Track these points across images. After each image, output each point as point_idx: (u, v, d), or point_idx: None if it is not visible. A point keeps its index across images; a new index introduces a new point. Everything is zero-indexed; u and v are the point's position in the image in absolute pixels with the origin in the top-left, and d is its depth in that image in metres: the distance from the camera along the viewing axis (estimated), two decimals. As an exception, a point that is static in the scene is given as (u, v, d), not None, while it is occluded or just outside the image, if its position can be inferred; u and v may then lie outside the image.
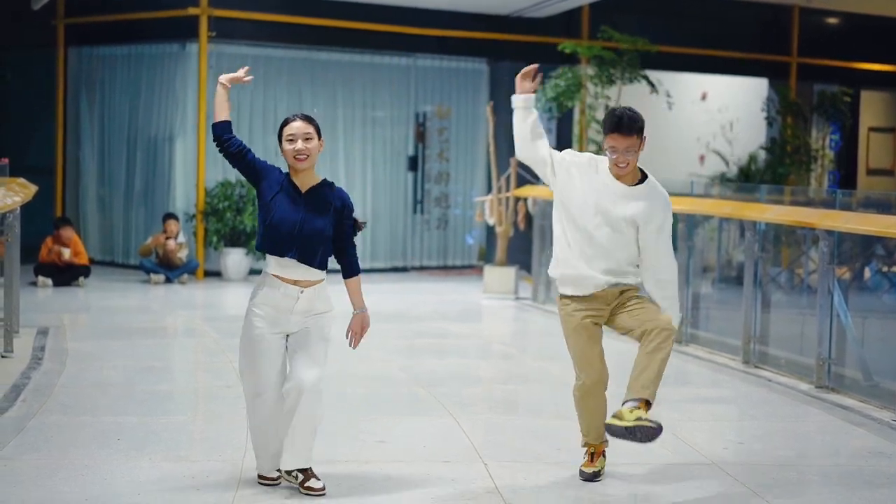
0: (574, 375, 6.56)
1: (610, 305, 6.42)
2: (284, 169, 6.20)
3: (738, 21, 19.22)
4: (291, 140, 6.06)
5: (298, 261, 6.06)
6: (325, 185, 6.17)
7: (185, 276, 15.39)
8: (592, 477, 6.47)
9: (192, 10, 15.88)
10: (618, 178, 6.33)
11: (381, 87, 17.38)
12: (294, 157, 6.05)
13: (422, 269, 17.77)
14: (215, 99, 6.22)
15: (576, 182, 6.37)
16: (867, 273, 13.38)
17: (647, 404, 6.16)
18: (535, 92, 6.60)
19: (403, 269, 17.61)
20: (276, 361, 6.15)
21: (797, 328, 10.78)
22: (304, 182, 6.12)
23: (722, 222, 13.05)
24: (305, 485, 6.12)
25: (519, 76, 6.57)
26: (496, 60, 17.90)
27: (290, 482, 6.18)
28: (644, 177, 6.40)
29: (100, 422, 7.62)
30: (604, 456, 6.56)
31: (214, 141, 6.17)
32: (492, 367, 10.56)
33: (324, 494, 6.08)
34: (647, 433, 6.06)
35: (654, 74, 16.63)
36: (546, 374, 9.92)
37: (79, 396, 8.43)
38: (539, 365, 10.41)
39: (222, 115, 6.18)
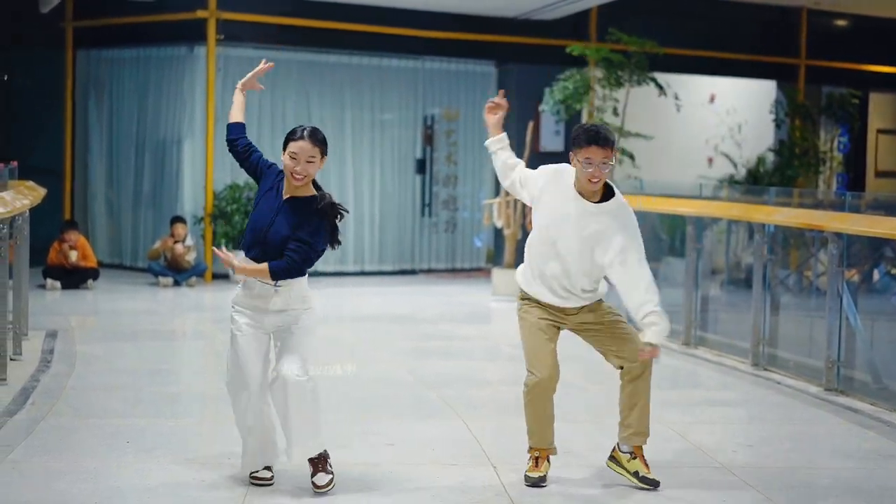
0: (525, 375, 6.61)
1: (573, 316, 6.50)
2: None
3: (746, 23, 19.20)
4: (294, 158, 6.07)
5: (255, 261, 6.11)
6: (311, 200, 6.14)
7: (194, 278, 15.39)
8: (538, 482, 6.43)
9: (200, 13, 15.89)
10: (582, 193, 6.29)
11: (389, 90, 17.38)
12: (291, 174, 6.09)
13: (430, 271, 17.77)
14: (233, 99, 6.48)
15: (545, 198, 6.42)
16: (876, 275, 13.34)
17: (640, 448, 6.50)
18: (502, 127, 6.65)
19: (412, 272, 17.60)
20: (256, 358, 6.21)
21: (806, 331, 10.76)
22: (291, 190, 6.16)
23: (730, 224, 13.03)
24: (312, 479, 6.20)
25: (486, 110, 6.64)
26: (504, 63, 17.90)
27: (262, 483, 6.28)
28: (611, 194, 6.35)
29: (108, 424, 7.63)
30: (548, 461, 6.55)
31: (226, 140, 6.37)
32: (500, 370, 10.55)
33: (326, 491, 6.11)
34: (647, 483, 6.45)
35: (662, 77, 16.61)
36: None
37: (87, 399, 8.44)
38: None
39: (236, 116, 6.41)
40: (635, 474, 6.44)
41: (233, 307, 6.32)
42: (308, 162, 6.06)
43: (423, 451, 7.14)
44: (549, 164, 6.53)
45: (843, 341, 9.21)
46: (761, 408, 8.86)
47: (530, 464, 6.53)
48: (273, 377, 6.17)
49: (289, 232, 6.06)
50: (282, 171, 6.18)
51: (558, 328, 6.54)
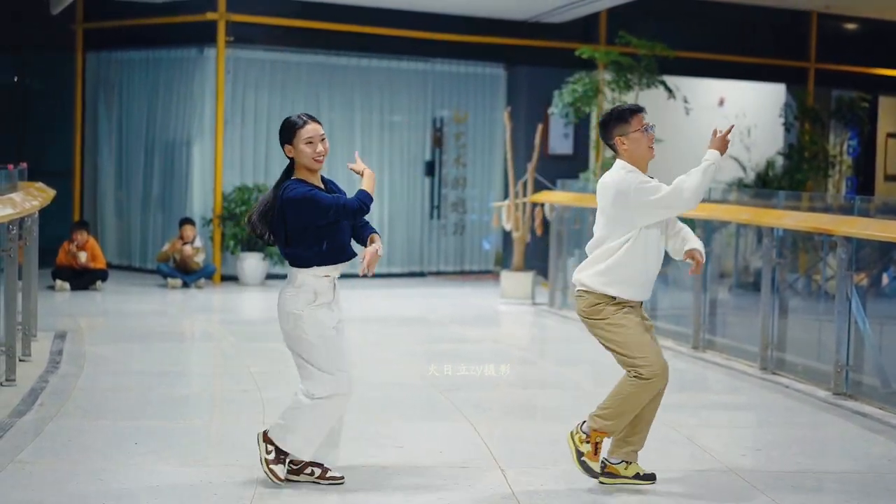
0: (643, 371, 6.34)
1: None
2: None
3: (756, 26, 19.19)
4: (311, 143, 6.17)
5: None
6: (326, 184, 6.39)
7: (202, 280, 15.41)
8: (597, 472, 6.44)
9: (210, 15, 15.91)
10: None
11: (399, 92, 17.39)
12: (314, 159, 6.19)
13: (439, 274, 17.77)
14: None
15: None
16: (885, 279, 13.32)
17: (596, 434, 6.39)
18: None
19: (420, 275, 17.61)
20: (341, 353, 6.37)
21: (815, 334, 10.75)
22: (317, 182, 6.30)
23: (739, 228, 13.02)
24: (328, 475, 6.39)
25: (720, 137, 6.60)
26: (513, 65, 17.90)
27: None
28: None
29: (117, 425, 7.64)
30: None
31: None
32: (509, 373, 10.54)
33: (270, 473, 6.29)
34: (587, 470, 6.43)
35: (671, 80, 16.60)
36: (564, 379, 9.91)
37: (96, 400, 8.46)
38: (557, 370, 10.39)
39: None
40: (636, 476, 6.43)
41: (301, 310, 6.23)
42: (322, 140, 6.22)
43: (431, 454, 7.14)
44: (630, 173, 6.40)
45: (851, 345, 9.19)
46: (769, 412, 8.85)
47: (589, 448, 6.40)
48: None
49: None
50: (300, 181, 6.21)
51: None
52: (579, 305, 6.51)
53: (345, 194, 6.35)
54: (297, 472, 6.34)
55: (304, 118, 6.24)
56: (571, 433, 6.45)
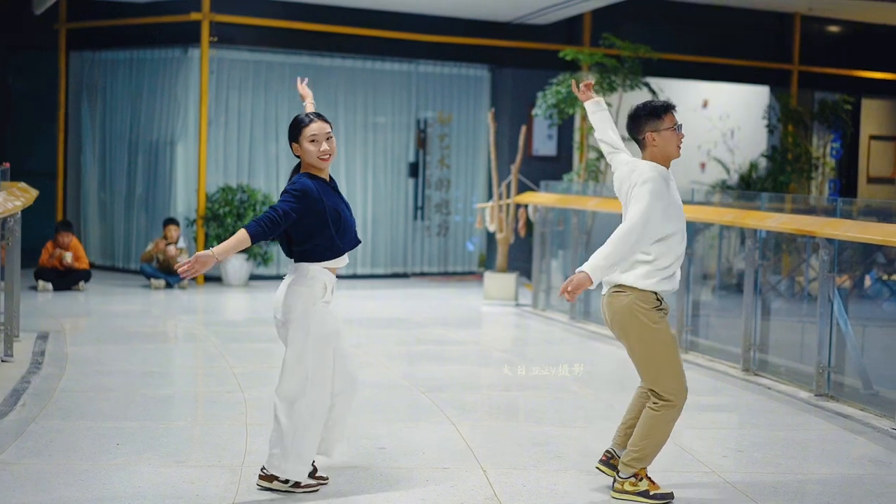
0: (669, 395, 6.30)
1: None
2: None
3: (740, 28, 19.23)
4: (315, 141, 6.19)
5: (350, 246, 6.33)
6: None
7: (186, 281, 15.39)
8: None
9: (194, 16, 15.89)
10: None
11: (383, 93, 17.39)
12: (319, 158, 6.20)
13: (422, 275, 17.78)
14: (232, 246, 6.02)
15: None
16: (867, 281, 13.38)
17: (637, 474, 6.31)
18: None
19: (404, 276, 17.61)
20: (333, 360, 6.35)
21: (797, 336, 10.79)
22: (323, 174, 6.31)
23: (722, 230, 13.07)
24: (316, 476, 6.42)
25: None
26: (498, 67, 17.91)
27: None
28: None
29: (99, 426, 7.63)
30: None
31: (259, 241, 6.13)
32: (492, 374, 10.56)
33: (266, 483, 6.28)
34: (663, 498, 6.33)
35: (655, 82, 16.63)
36: (546, 381, 9.92)
37: (79, 401, 8.44)
38: (539, 372, 10.41)
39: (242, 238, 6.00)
40: (644, 494, 6.31)
41: (307, 308, 6.20)
42: (328, 139, 6.22)
43: (414, 455, 7.14)
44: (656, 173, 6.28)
45: (833, 347, 9.23)
46: (751, 413, 8.87)
47: (645, 483, 6.29)
48: (347, 386, 6.36)
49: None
50: (307, 180, 6.20)
51: None
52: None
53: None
54: (269, 480, 6.31)
55: (311, 116, 6.26)
56: (615, 490, 6.33)
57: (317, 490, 6.29)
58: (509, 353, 11.99)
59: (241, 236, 5.90)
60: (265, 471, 6.27)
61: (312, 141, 6.18)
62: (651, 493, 6.25)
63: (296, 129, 6.24)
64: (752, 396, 9.36)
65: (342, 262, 6.30)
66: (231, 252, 5.92)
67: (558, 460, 7.09)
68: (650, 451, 6.27)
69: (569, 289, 5.97)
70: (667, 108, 6.31)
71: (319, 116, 6.27)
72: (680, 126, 6.32)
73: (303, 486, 6.26)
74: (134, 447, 7.08)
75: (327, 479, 6.42)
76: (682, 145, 6.36)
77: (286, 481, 6.25)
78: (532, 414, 8.73)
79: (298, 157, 6.27)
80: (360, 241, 6.39)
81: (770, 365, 10.20)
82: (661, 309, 6.26)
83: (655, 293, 6.25)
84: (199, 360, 10.88)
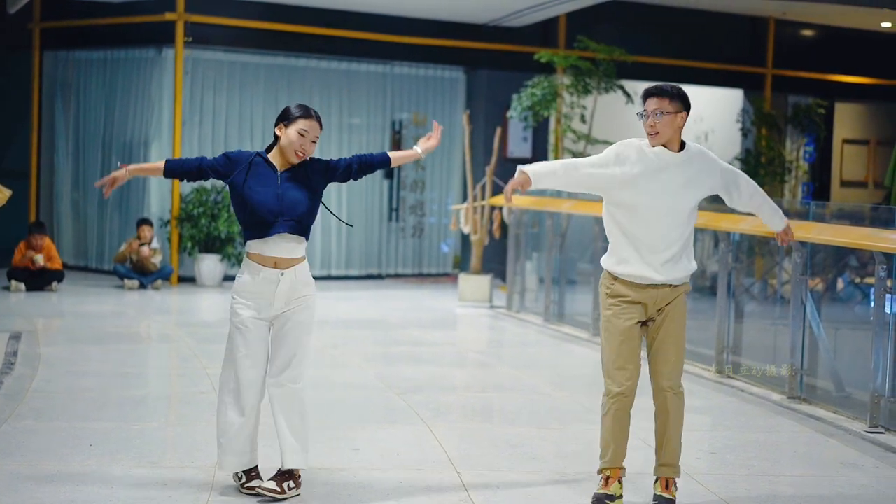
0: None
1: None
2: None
3: (714, 32, 19.29)
4: (303, 135, 6.16)
5: (289, 233, 6.11)
6: (304, 164, 6.26)
7: (159, 281, 15.35)
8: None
9: (168, 16, 15.85)
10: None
11: (358, 95, 17.39)
12: (295, 152, 6.16)
13: (397, 276, 17.78)
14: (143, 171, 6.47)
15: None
16: (840, 284, 13.44)
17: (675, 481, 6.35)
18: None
19: (378, 277, 17.60)
20: (258, 354, 6.20)
21: (770, 339, 10.82)
22: (284, 164, 6.23)
23: (696, 232, 13.10)
24: (266, 482, 6.18)
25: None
26: (473, 69, 17.93)
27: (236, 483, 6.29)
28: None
29: (72, 427, 7.60)
30: (619, 483, 6.27)
31: (176, 175, 6.35)
32: (467, 376, 10.56)
33: (272, 498, 6.10)
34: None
35: (629, 84, 16.67)
36: (521, 383, 9.93)
37: (51, 402, 8.40)
38: (514, 374, 10.42)
39: (158, 167, 6.36)
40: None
41: (234, 298, 6.22)
42: (312, 142, 6.19)
43: (388, 457, 7.14)
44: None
45: (806, 350, 9.26)
46: (724, 415, 8.90)
47: (601, 483, 6.25)
48: (275, 381, 6.21)
49: (300, 195, 6.14)
50: (251, 154, 6.21)
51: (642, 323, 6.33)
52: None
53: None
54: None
55: (312, 112, 6.24)
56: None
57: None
58: (484, 354, 12.00)
59: (159, 164, 6.31)
60: (292, 472, 6.23)
61: (301, 134, 6.15)
62: (597, 491, 6.25)
63: (289, 113, 6.21)
64: (725, 398, 9.39)
65: (263, 250, 6.12)
66: (144, 172, 6.37)
67: (533, 462, 7.10)
68: (601, 445, 6.29)
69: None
70: (646, 95, 6.31)
71: (318, 118, 6.26)
72: (642, 113, 6.27)
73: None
74: (107, 448, 7.06)
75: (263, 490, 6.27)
76: (652, 133, 6.27)
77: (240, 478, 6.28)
78: (507, 416, 8.74)
79: (277, 137, 6.22)
80: (276, 232, 6.08)
81: (743, 367, 10.23)
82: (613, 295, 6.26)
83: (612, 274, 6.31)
84: (172, 361, 10.85)
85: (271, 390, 6.21)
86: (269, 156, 6.22)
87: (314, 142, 6.20)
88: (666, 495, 6.25)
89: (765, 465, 7.35)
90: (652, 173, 6.22)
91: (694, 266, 6.37)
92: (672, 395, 6.28)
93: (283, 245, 6.13)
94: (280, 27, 16.47)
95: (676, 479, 6.33)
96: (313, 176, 6.23)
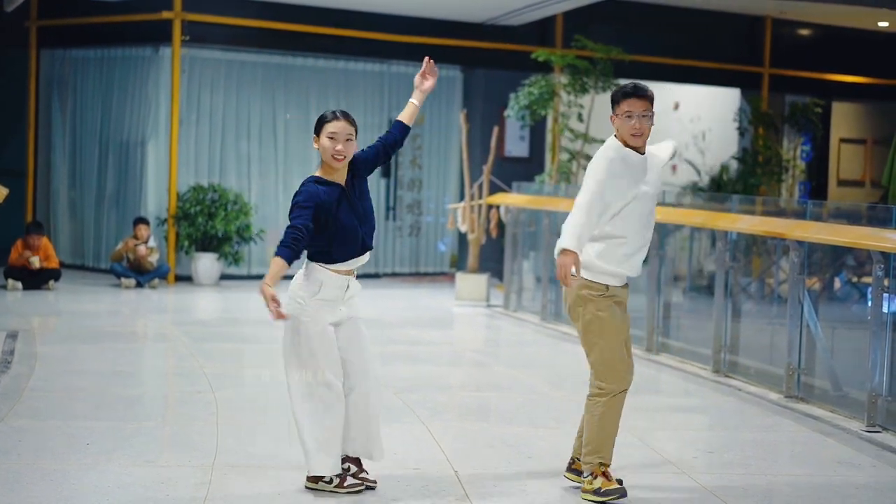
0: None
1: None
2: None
3: (711, 31, 19.29)
4: (333, 139, 6.16)
5: (369, 251, 6.28)
6: (351, 169, 6.29)
7: (156, 280, 15.33)
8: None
9: (165, 14, 15.84)
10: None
11: (355, 94, 17.37)
12: (332, 157, 6.16)
13: (394, 275, 17.77)
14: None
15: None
16: (837, 283, 13.44)
17: (601, 466, 6.30)
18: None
19: (375, 276, 17.59)
20: (338, 354, 6.25)
21: (767, 338, 10.82)
22: (341, 178, 6.24)
23: (693, 232, 13.09)
24: (362, 474, 6.34)
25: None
26: (470, 68, 17.92)
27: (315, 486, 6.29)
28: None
29: (69, 426, 7.59)
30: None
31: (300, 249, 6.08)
32: (463, 375, 10.56)
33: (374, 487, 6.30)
34: (615, 493, 6.27)
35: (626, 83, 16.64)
36: (517, 382, 9.93)
37: (48, 401, 8.40)
38: (510, 373, 10.42)
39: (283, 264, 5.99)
40: (596, 492, 6.27)
41: (301, 303, 6.16)
42: (347, 140, 6.18)
43: (385, 455, 7.12)
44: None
45: (803, 349, 9.26)
46: (722, 414, 8.90)
47: (600, 481, 6.26)
48: (358, 381, 6.28)
49: (370, 204, 6.30)
50: (319, 189, 6.14)
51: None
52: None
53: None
54: (315, 481, 6.29)
55: (337, 114, 6.22)
56: (582, 491, 6.33)
57: (361, 490, 6.29)
58: (481, 353, 12.00)
59: (281, 263, 5.90)
60: (310, 477, 6.31)
61: (331, 138, 6.15)
62: (602, 489, 6.24)
63: (319, 122, 6.23)
64: (722, 398, 9.39)
65: (346, 266, 6.20)
66: (278, 278, 5.88)
67: (529, 461, 7.10)
68: (601, 444, 6.28)
69: None
70: (624, 94, 6.34)
71: (345, 116, 6.23)
72: (628, 114, 6.28)
73: (346, 486, 6.26)
74: (104, 447, 7.05)
75: (375, 481, 6.38)
76: (638, 135, 6.29)
77: (330, 480, 6.25)
78: (504, 415, 8.74)
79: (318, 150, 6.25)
80: (368, 249, 6.24)
81: (740, 366, 10.23)
82: (603, 294, 6.30)
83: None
84: (169, 360, 10.84)
85: (359, 391, 6.33)
86: (324, 174, 6.19)
87: (349, 140, 6.18)
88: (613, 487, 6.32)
89: (762, 464, 7.35)
90: (639, 177, 6.33)
91: None
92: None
93: (363, 257, 6.29)
94: (277, 26, 16.46)
95: (583, 475, 6.36)
96: (361, 180, 6.32)
